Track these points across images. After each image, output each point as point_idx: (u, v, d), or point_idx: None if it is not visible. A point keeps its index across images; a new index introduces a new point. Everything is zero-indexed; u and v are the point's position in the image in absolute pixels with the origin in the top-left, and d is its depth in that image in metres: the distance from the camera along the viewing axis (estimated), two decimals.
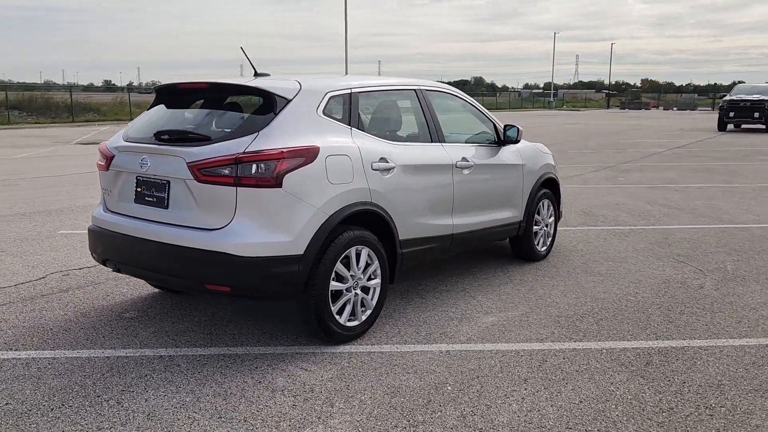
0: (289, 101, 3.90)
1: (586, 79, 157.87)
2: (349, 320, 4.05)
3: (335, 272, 3.91)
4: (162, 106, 4.33)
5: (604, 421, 3.13)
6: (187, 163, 3.66)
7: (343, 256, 3.93)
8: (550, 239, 6.30)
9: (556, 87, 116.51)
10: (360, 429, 3.03)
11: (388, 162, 4.25)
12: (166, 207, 3.85)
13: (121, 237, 4.01)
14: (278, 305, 4.69)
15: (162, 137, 3.91)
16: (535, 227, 6.01)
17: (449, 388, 3.47)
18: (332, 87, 4.17)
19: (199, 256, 3.62)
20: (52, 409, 3.17)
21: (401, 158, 4.37)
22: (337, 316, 3.95)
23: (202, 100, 4.24)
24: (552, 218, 6.29)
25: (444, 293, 5.10)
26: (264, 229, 3.63)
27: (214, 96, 4.18)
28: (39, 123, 31.58)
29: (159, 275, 3.90)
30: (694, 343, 4.12)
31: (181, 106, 4.27)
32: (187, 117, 4.12)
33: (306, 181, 3.72)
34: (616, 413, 3.21)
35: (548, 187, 6.22)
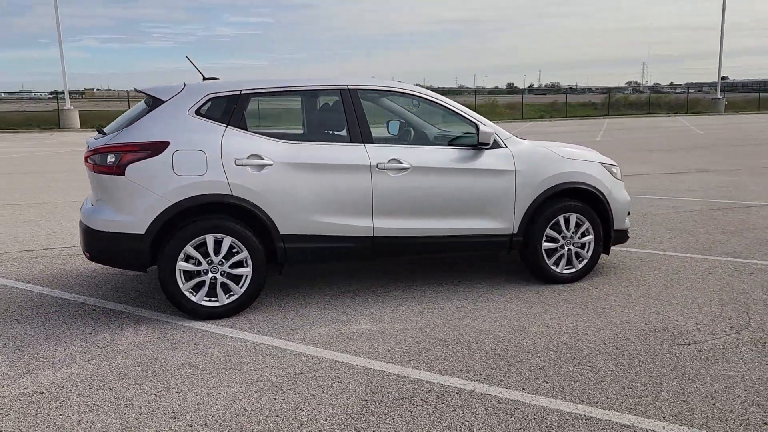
0: (163, 102, 4.50)
1: None
2: (207, 300, 4.46)
3: (186, 254, 4.37)
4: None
5: (237, 425, 3.03)
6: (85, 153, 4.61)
7: (196, 240, 4.37)
8: (583, 261, 5.35)
9: None
10: (69, 381, 3.55)
11: (263, 159, 4.48)
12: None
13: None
14: None
15: (98, 131, 4.93)
16: (549, 244, 5.22)
17: (190, 370, 3.69)
18: (217, 89, 4.60)
19: (83, 227, 4.56)
20: None
21: (285, 156, 4.53)
22: (188, 294, 4.41)
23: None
24: (588, 237, 5.32)
25: (375, 296, 4.98)
26: (113, 209, 4.36)
27: (141, 98, 5.00)
28: None
29: None
30: (509, 394, 3.37)
31: None
32: (125, 115, 5.03)
33: (149, 172, 4.30)
34: (262, 420, 3.05)
35: (580, 200, 5.29)
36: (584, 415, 3.13)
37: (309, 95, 5.02)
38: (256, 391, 3.41)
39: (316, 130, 4.98)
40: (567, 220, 5.24)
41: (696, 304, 4.77)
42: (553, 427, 3.03)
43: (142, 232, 4.30)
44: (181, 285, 4.39)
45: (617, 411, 3.17)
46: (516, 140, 5.18)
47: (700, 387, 3.42)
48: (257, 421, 3.09)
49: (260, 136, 4.58)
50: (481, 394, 3.35)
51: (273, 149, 4.53)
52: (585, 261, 5.36)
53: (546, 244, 5.21)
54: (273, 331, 4.28)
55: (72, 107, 29.38)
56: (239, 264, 4.49)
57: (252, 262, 4.49)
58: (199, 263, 4.41)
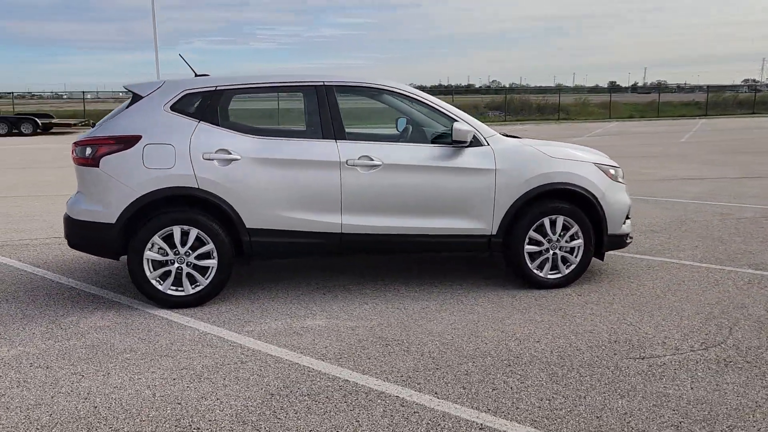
0: (142, 98, 4.70)
1: None
2: (173, 289, 4.62)
3: (154, 245, 4.56)
4: None
5: (136, 410, 3.14)
6: None
7: (163, 231, 4.54)
8: (571, 267, 5.11)
9: None
10: (15, 359, 3.80)
11: (230, 154, 4.59)
12: None
13: None
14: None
15: (91, 125, 5.22)
16: (532, 247, 5.02)
17: (128, 355, 3.85)
18: (193, 85, 4.74)
19: (64, 216, 4.85)
20: None
21: (252, 152, 4.61)
22: (155, 282, 4.59)
23: None
24: (577, 241, 5.07)
25: (346, 292, 4.98)
26: (88, 198, 4.61)
27: None
28: (505, 122, 33.30)
29: None
30: (417, 398, 3.29)
31: None
32: (114, 110, 5.27)
33: (120, 164, 4.51)
34: (162, 407, 3.15)
35: (569, 202, 5.05)
36: (481, 425, 3.01)
37: (284, 92, 5.07)
38: (174, 379, 3.51)
39: (288, 126, 5.03)
40: (553, 223, 5.02)
41: (679, 316, 4.44)
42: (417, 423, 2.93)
43: (113, 221, 4.51)
44: (148, 274, 4.57)
45: (519, 423, 3.03)
46: (500, 138, 5.02)
47: (626, 404, 3.20)
48: (157, 407, 3.18)
49: (231, 131, 4.68)
50: (389, 396, 3.29)
51: (241, 144, 4.62)
52: (573, 266, 5.11)
53: (529, 247, 5.02)
54: (227, 322, 4.38)
55: None
56: (205, 256, 4.62)
57: (218, 254, 4.61)
58: (167, 253, 4.57)
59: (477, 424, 3.01)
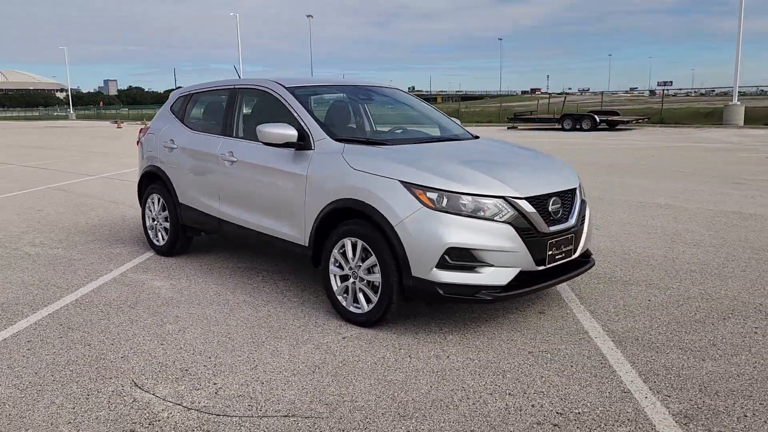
0: (167, 100, 6.47)
1: None
2: (156, 240, 6.31)
3: (148, 205, 6.36)
4: None
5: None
6: None
7: (151, 196, 6.29)
8: (371, 304, 4.15)
9: None
10: None
11: (174, 143, 5.91)
12: None
13: None
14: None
15: None
16: (336, 269, 4.40)
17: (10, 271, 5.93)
18: (182, 91, 6.15)
19: None
20: None
21: (182, 142, 5.78)
22: (150, 232, 6.39)
23: None
24: (375, 275, 4.12)
25: (264, 280, 5.53)
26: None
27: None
28: None
29: None
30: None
31: None
32: None
33: (144, 144, 6.44)
34: None
35: (370, 224, 4.16)
36: None
37: (219, 94, 5.79)
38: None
39: (210, 123, 5.75)
40: (354, 246, 4.26)
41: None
42: None
43: (137, 181, 6.52)
44: (147, 224, 6.35)
45: None
46: (326, 143, 4.49)
47: None
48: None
49: (183, 126, 5.93)
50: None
51: (181, 137, 5.83)
52: (372, 305, 4.19)
53: (334, 269, 4.42)
54: (138, 269, 5.78)
55: (739, 103, 27.93)
56: (167, 219, 6.09)
57: (169, 219, 6.01)
58: (152, 212, 6.28)
59: None
